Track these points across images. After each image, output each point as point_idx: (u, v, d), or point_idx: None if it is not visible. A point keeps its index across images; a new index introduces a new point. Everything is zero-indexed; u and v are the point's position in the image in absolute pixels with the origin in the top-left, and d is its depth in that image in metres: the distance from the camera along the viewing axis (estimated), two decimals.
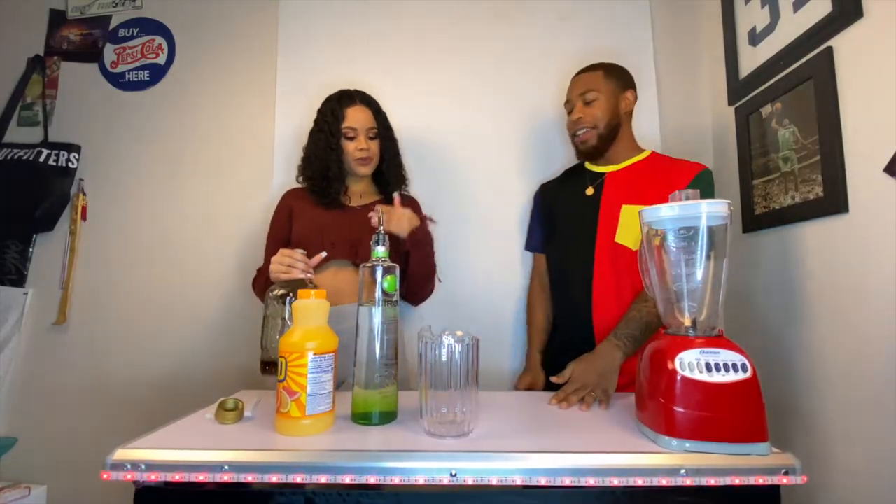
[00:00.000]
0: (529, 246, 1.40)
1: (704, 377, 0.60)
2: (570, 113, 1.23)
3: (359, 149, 1.16)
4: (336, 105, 1.17)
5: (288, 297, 0.88)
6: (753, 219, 1.25)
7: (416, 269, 1.15)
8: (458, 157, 1.51)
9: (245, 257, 1.48)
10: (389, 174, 1.24)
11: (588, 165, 1.26)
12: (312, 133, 1.21)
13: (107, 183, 1.58)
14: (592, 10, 1.54)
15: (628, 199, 1.13)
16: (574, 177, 1.29)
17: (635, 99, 1.22)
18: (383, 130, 1.22)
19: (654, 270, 0.72)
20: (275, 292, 0.91)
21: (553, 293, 1.27)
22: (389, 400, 0.74)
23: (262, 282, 1.16)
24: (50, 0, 1.69)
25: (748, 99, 1.28)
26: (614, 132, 1.19)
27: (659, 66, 1.51)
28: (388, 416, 0.74)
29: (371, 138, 1.19)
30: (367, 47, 1.56)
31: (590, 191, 1.20)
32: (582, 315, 1.13)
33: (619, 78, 1.20)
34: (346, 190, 1.22)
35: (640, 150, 1.21)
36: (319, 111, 1.21)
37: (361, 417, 0.73)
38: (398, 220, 1.08)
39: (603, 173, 1.21)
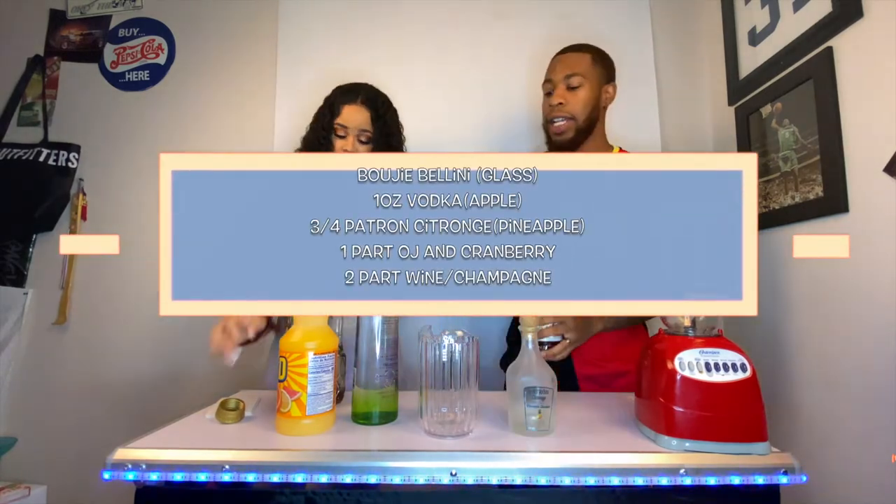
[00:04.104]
0: None
1: (704, 377, 0.60)
2: (548, 94, 1.11)
3: (343, 149, 1.09)
4: (337, 98, 1.12)
5: None
6: None
7: None
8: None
9: None
10: None
11: None
12: (311, 122, 1.17)
13: (107, 183, 1.59)
14: (592, 10, 1.54)
15: None
16: None
17: (615, 93, 1.13)
18: (381, 136, 1.12)
19: None
20: None
21: None
22: (389, 400, 0.74)
23: None
24: (50, 0, 1.69)
25: (748, 99, 1.28)
26: (591, 127, 1.09)
27: (659, 66, 1.51)
28: (388, 416, 0.74)
29: (363, 142, 1.10)
30: (366, 48, 1.56)
31: None
32: None
33: (605, 67, 1.11)
34: None
35: (610, 150, 1.15)
36: (325, 99, 1.16)
37: (362, 417, 0.73)
38: None
39: None
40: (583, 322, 0.93)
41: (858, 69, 0.94)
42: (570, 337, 0.91)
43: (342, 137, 1.10)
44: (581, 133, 1.08)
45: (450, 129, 1.53)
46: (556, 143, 1.11)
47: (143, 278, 1.51)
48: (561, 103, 1.07)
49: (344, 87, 1.15)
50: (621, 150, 1.16)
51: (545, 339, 0.88)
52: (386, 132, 1.13)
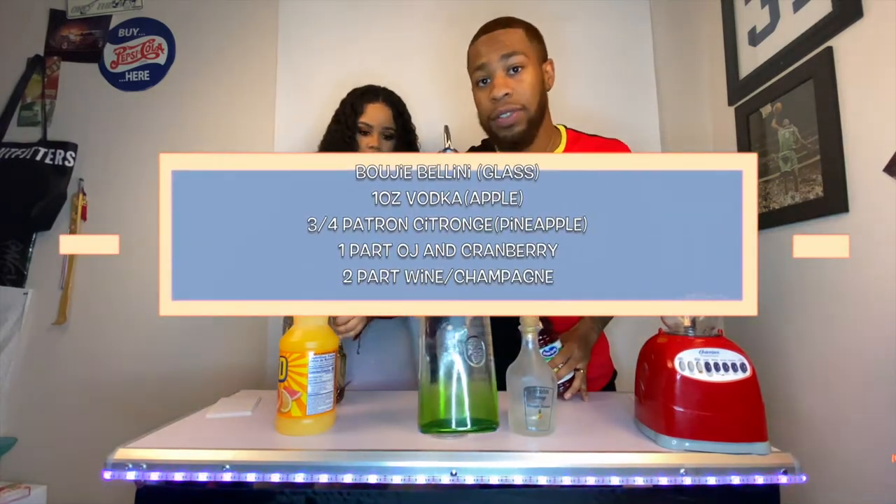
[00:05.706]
0: None
1: (704, 377, 0.60)
2: (480, 83, 0.94)
3: (369, 145, 1.14)
4: (357, 99, 1.17)
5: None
6: None
7: None
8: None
9: None
10: None
11: None
12: (330, 125, 1.21)
13: (107, 183, 1.58)
14: (592, 10, 1.54)
15: None
16: None
17: (554, 72, 0.98)
18: (402, 133, 1.20)
19: None
20: None
21: None
22: (486, 399, 0.66)
23: None
24: (50, 0, 1.69)
25: (748, 99, 1.28)
26: (542, 115, 0.94)
27: (659, 66, 1.51)
28: (482, 423, 0.65)
29: (386, 137, 1.17)
30: (367, 48, 1.56)
31: None
32: None
33: (540, 43, 0.95)
34: None
35: (558, 132, 1.03)
36: (341, 102, 1.20)
37: (446, 424, 0.64)
38: None
39: None
40: (583, 345, 0.89)
41: (858, 69, 0.94)
42: (581, 366, 0.87)
43: (367, 134, 1.15)
44: (534, 125, 0.93)
45: (450, 129, 1.52)
46: (507, 140, 0.94)
47: (143, 278, 1.50)
48: (507, 94, 0.89)
49: (360, 88, 1.21)
50: (569, 130, 1.05)
51: (562, 380, 0.85)
52: (406, 129, 1.22)
